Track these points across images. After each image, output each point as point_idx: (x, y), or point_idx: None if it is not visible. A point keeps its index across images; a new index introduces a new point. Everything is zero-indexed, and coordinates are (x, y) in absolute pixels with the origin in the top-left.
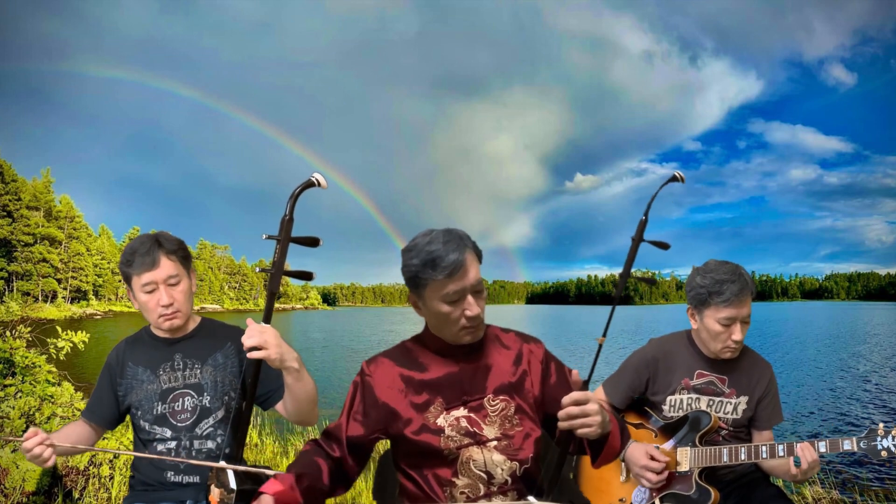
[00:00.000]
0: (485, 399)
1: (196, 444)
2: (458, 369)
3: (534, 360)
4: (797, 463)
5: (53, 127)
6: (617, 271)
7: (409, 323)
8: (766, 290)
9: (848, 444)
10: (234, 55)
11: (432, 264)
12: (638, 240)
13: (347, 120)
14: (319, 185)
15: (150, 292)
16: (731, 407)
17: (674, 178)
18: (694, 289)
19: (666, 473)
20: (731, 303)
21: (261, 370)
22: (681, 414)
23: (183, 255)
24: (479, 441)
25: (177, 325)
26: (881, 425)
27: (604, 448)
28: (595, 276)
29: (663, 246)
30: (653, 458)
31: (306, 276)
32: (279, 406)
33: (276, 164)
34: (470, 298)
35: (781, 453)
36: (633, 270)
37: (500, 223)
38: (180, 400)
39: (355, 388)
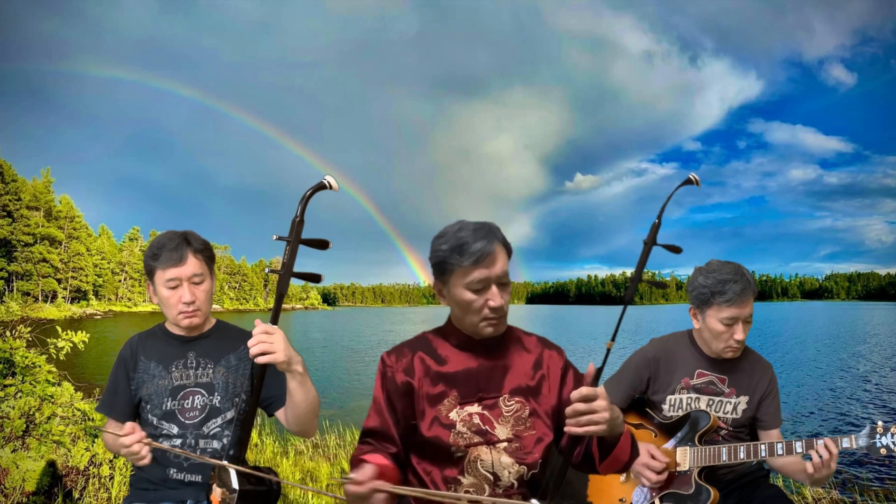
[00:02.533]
0: (500, 398)
1: (202, 443)
2: (477, 365)
3: (553, 367)
4: (808, 458)
5: (53, 127)
6: (617, 271)
7: (409, 323)
8: (766, 290)
9: (847, 442)
10: (234, 55)
11: (460, 250)
12: (650, 243)
13: (347, 120)
14: (331, 187)
15: (173, 288)
16: (731, 406)
17: (688, 181)
18: (696, 288)
19: (666, 473)
20: (733, 302)
21: (266, 374)
22: (680, 413)
23: (208, 256)
24: (490, 440)
25: (196, 323)
26: (880, 423)
27: (612, 451)
28: (595, 276)
29: (675, 249)
30: (653, 458)
31: (315, 278)
32: (279, 413)
33: (276, 164)
34: (494, 289)
35: (780, 452)
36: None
37: (500, 223)
38: (190, 398)
39: (381, 382)
